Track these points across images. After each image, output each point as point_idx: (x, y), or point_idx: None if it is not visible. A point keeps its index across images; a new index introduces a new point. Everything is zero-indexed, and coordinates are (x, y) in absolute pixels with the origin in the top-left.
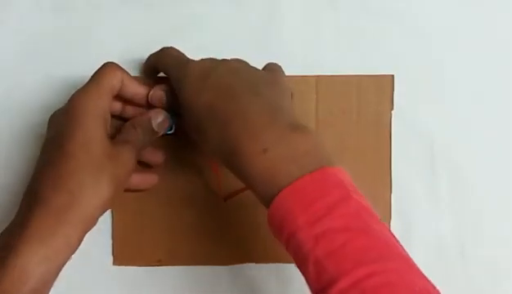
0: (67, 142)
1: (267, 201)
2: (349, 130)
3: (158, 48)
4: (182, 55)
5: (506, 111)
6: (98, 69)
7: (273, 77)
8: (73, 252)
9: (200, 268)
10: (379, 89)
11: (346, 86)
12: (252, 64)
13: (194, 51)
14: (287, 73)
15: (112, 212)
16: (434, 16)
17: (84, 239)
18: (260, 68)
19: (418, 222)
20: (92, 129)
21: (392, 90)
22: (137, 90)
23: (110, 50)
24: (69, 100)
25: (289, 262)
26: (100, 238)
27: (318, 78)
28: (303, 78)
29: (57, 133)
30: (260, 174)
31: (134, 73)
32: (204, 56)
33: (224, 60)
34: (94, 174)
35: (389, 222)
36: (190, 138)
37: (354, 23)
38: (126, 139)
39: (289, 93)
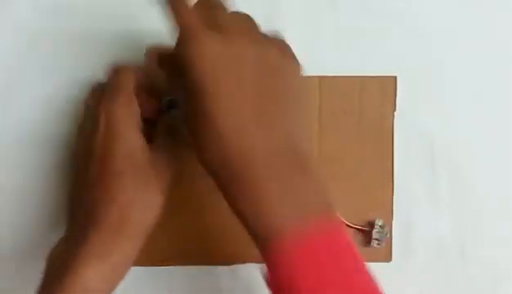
0: (111, 157)
1: (261, 238)
2: (352, 130)
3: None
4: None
5: (506, 111)
6: (115, 74)
7: (290, 88)
8: (129, 269)
9: (201, 268)
10: (382, 90)
11: (349, 87)
12: None
13: None
14: None
15: None
16: (434, 16)
17: None
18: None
19: (418, 222)
20: (133, 140)
21: (395, 91)
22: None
23: (110, 50)
24: (98, 110)
25: None
26: None
27: (321, 79)
28: (307, 79)
29: (95, 146)
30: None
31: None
32: None
33: (242, 45)
34: (143, 188)
35: (390, 222)
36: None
37: (354, 23)
38: (161, 143)
39: (304, 106)
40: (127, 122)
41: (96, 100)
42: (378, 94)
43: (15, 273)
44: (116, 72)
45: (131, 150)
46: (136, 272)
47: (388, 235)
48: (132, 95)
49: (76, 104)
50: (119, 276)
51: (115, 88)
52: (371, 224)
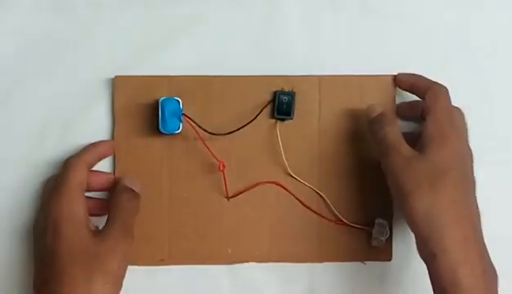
0: (56, 256)
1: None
2: (352, 130)
3: (158, 48)
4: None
5: (506, 111)
6: (64, 169)
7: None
8: None
9: (201, 267)
10: (382, 89)
11: (349, 87)
12: (252, 64)
13: (194, 51)
14: (287, 74)
15: None
16: (434, 16)
17: None
18: (259, 67)
19: None
20: (74, 239)
21: (395, 90)
22: (102, 180)
23: (110, 50)
24: (46, 208)
25: (290, 262)
26: None
27: (321, 78)
28: (307, 78)
29: (44, 245)
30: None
31: (133, 72)
32: (204, 56)
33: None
34: (85, 282)
35: (391, 222)
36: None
37: (354, 23)
38: (113, 221)
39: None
40: (70, 222)
41: (46, 198)
42: (377, 93)
43: None
44: (66, 165)
45: (72, 250)
46: (135, 272)
47: (388, 235)
48: (77, 192)
49: (75, 103)
50: None
51: (62, 182)
52: (371, 224)
